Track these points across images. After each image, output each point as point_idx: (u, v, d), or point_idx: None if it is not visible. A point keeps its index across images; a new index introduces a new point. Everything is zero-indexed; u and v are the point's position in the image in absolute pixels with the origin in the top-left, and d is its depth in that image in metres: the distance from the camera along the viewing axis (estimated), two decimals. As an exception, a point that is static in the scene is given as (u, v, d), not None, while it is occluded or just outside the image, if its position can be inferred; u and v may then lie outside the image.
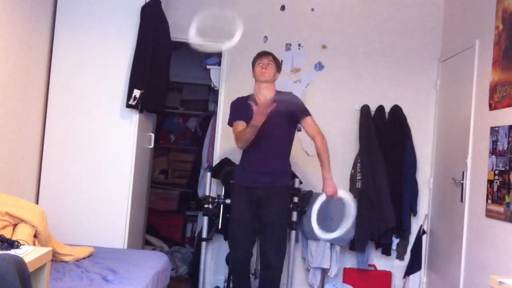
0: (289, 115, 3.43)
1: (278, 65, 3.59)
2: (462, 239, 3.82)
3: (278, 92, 3.53)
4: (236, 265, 3.53)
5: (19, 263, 1.75)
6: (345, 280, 4.44)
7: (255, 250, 4.29)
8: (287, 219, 3.81)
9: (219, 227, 4.11)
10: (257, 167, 3.41)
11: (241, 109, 3.50)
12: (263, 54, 3.56)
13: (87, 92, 3.63)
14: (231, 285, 3.99)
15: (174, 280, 4.63)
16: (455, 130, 4.18)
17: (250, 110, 3.40)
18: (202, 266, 4.26)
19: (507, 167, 3.22)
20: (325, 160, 3.44)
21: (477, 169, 3.68)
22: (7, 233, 2.42)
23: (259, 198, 3.40)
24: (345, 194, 3.54)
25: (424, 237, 4.46)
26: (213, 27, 4.42)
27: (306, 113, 3.47)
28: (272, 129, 3.38)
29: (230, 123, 3.57)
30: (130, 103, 3.51)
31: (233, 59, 4.61)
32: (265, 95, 3.44)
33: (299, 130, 3.71)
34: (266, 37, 4.63)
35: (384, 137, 4.43)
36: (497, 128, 3.39)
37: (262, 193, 3.40)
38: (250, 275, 4.24)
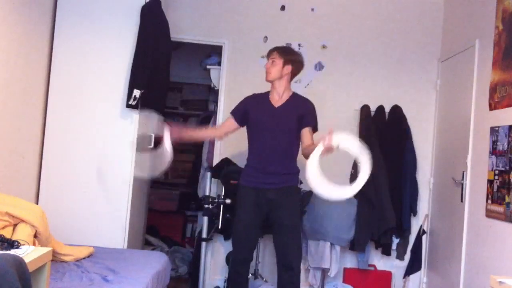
0: (300, 121, 3.36)
1: (287, 59, 3.38)
2: (462, 239, 3.82)
3: (294, 95, 3.47)
4: (237, 266, 3.49)
5: (19, 263, 1.75)
6: (345, 280, 4.45)
7: (254, 251, 4.30)
8: (299, 219, 3.76)
9: (219, 227, 4.11)
10: (267, 167, 3.35)
11: (248, 107, 3.47)
12: (268, 53, 3.47)
13: (87, 92, 3.62)
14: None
15: (174, 280, 4.63)
16: (455, 130, 4.18)
17: (260, 107, 3.40)
18: (202, 266, 4.26)
19: (507, 167, 3.22)
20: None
21: (477, 169, 3.68)
22: (7, 233, 2.42)
23: (270, 200, 3.33)
24: (341, 137, 2.87)
25: (424, 237, 4.46)
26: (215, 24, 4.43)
27: (314, 124, 3.41)
28: (283, 131, 3.34)
29: (231, 112, 3.56)
30: (130, 103, 3.51)
31: (233, 59, 4.61)
32: (280, 97, 3.39)
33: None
34: (266, 37, 4.63)
35: (384, 137, 4.43)
36: (497, 128, 3.39)
37: (273, 194, 3.33)
38: (250, 275, 4.26)
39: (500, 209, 3.28)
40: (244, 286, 3.53)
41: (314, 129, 3.41)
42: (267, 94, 3.48)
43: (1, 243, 2.04)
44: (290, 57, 3.42)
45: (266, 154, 3.36)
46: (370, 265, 4.51)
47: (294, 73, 3.45)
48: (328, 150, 2.89)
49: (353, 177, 4.44)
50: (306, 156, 3.19)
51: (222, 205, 4.08)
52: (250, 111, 3.45)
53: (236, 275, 3.49)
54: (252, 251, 3.53)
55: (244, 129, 4.36)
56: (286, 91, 3.43)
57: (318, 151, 2.87)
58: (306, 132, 3.36)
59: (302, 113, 3.37)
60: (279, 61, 3.38)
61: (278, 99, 3.41)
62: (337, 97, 4.62)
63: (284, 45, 4.56)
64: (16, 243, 2.06)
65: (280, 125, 3.34)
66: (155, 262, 3.13)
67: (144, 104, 3.60)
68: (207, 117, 5.73)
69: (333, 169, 4.50)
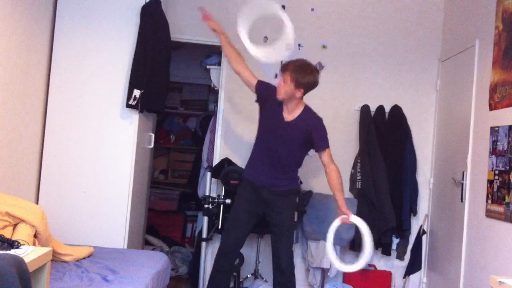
0: (307, 138, 3.33)
1: (299, 82, 3.22)
2: (462, 239, 3.82)
3: (306, 109, 3.37)
4: (218, 256, 3.45)
5: (19, 263, 1.75)
6: (345, 280, 4.44)
7: (254, 251, 4.30)
8: (294, 221, 3.77)
9: (219, 227, 4.11)
10: (266, 171, 3.36)
11: (269, 98, 3.37)
12: (282, 67, 3.30)
13: (87, 92, 3.62)
14: (231, 284, 3.97)
15: (174, 280, 4.63)
16: (455, 130, 4.18)
17: (274, 114, 3.33)
18: (202, 266, 4.26)
19: (507, 167, 3.22)
20: (341, 190, 3.32)
21: (477, 169, 3.68)
22: (7, 233, 2.42)
23: (265, 200, 3.37)
24: (357, 220, 3.30)
25: (424, 237, 4.46)
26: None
27: (326, 145, 3.34)
28: (289, 145, 3.33)
29: (258, 80, 3.49)
30: (130, 103, 3.51)
31: (233, 59, 4.60)
32: (293, 111, 3.33)
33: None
34: (266, 37, 4.62)
35: (384, 137, 4.43)
36: (497, 128, 3.39)
37: (268, 195, 3.36)
38: (250, 275, 4.26)
39: (500, 209, 3.28)
40: (222, 279, 3.47)
41: (328, 146, 3.36)
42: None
43: (1, 243, 2.04)
44: (302, 80, 3.23)
45: (268, 159, 3.36)
46: (370, 265, 4.51)
47: (306, 92, 3.32)
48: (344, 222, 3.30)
49: (353, 177, 4.45)
50: (334, 182, 3.34)
51: (222, 205, 4.08)
52: (267, 106, 3.40)
53: (217, 265, 3.45)
54: (237, 245, 3.49)
55: (244, 129, 4.39)
56: (298, 108, 3.35)
57: (335, 226, 3.32)
58: (322, 155, 3.34)
59: (312, 135, 3.30)
60: (290, 83, 3.22)
61: (288, 114, 3.35)
62: (337, 97, 4.61)
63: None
64: (16, 243, 2.07)
65: (288, 140, 3.32)
66: (155, 262, 3.13)
67: (144, 104, 3.61)
68: (207, 117, 5.73)
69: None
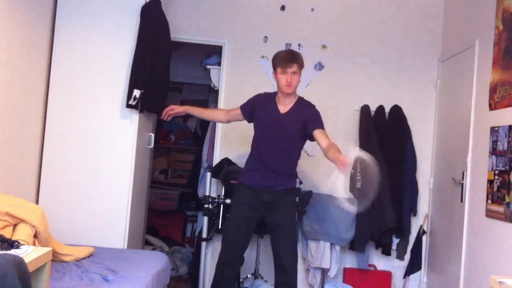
0: (304, 124, 3.31)
1: (302, 68, 3.33)
2: (462, 239, 3.82)
3: (300, 100, 3.40)
4: (222, 266, 3.40)
5: (19, 263, 1.75)
6: (345, 280, 4.45)
7: (254, 251, 4.30)
8: (295, 220, 3.72)
9: (219, 227, 4.11)
10: (266, 171, 3.33)
11: (257, 105, 3.42)
12: (288, 61, 3.23)
13: (87, 92, 3.62)
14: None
15: (174, 280, 4.63)
16: (455, 130, 4.18)
17: (267, 111, 3.36)
18: (202, 266, 4.26)
19: (507, 167, 3.22)
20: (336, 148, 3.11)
21: (477, 169, 3.68)
22: (7, 233, 2.42)
23: (266, 202, 3.34)
24: (359, 152, 3.05)
25: (424, 237, 4.46)
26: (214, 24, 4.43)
27: (322, 125, 3.29)
28: (286, 137, 3.33)
29: (240, 107, 3.51)
30: (130, 103, 3.51)
31: (233, 59, 4.61)
32: (287, 103, 3.35)
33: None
34: (266, 37, 4.63)
35: (384, 137, 4.43)
36: (497, 128, 3.39)
37: (269, 196, 3.34)
38: (250, 275, 4.27)
39: (500, 209, 3.28)
40: (227, 287, 3.45)
41: (323, 127, 3.30)
42: (275, 96, 3.42)
43: (1, 243, 2.04)
44: (303, 65, 3.32)
45: (268, 158, 3.34)
46: (370, 265, 4.51)
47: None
48: (345, 169, 2.93)
49: (353, 177, 4.45)
50: (329, 146, 3.14)
51: (222, 205, 4.08)
52: (257, 111, 3.41)
53: (220, 274, 3.40)
54: (241, 252, 3.48)
55: (244, 129, 4.38)
56: (292, 99, 3.37)
57: (339, 176, 3.02)
58: (318, 133, 3.23)
59: (306, 119, 3.29)
60: (298, 75, 3.28)
61: (284, 105, 3.37)
62: (337, 97, 4.62)
63: (284, 45, 4.59)
64: (16, 243, 2.07)
65: (284, 132, 3.32)
66: (155, 262, 3.13)
67: (144, 104, 3.61)
68: (207, 117, 5.73)
69: (333, 169, 4.54)
